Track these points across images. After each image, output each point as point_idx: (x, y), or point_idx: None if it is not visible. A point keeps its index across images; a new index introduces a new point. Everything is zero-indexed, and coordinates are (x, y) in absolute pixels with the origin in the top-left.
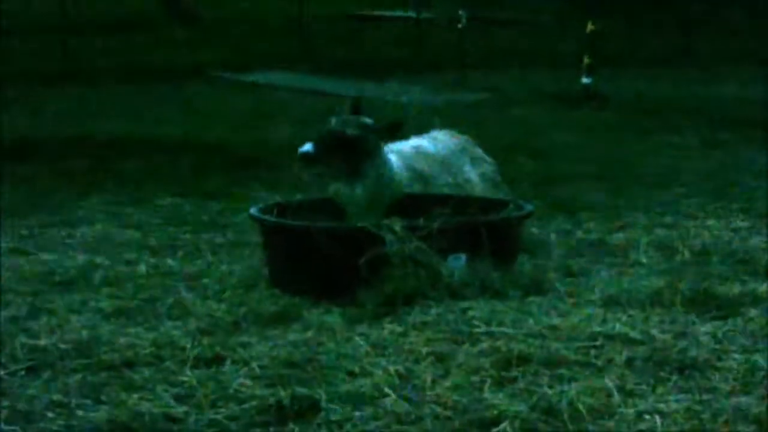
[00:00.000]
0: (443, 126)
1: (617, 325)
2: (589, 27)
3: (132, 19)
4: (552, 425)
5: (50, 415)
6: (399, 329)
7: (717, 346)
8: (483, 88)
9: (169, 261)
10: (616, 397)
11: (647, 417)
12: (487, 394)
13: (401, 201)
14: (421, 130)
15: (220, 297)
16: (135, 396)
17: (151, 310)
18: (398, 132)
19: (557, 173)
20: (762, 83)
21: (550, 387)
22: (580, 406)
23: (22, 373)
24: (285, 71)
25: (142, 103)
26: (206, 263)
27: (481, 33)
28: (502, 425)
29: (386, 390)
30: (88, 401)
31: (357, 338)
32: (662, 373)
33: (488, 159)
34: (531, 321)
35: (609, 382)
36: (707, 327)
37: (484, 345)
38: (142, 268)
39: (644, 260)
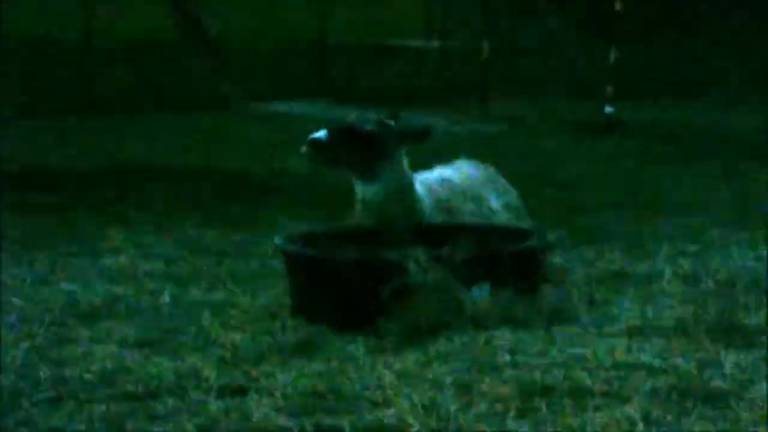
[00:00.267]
0: (467, 156)
1: (641, 355)
2: (612, 56)
3: (154, 49)
4: None
5: None
6: (423, 359)
7: (742, 376)
8: (505, 118)
9: (193, 291)
10: (641, 427)
11: None
12: (510, 424)
13: (426, 230)
14: (444, 159)
15: (244, 327)
16: (158, 426)
17: (175, 340)
18: (427, 138)
19: (580, 202)
20: None
21: (575, 417)
22: None
23: (46, 403)
24: (306, 101)
25: (163, 132)
26: (229, 293)
27: (504, 62)
28: None
29: (410, 420)
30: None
31: (381, 368)
32: (687, 403)
33: (512, 189)
34: (555, 351)
35: (633, 412)
36: (732, 357)
37: (508, 374)
38: (165, 298)
39: (668, 289)
